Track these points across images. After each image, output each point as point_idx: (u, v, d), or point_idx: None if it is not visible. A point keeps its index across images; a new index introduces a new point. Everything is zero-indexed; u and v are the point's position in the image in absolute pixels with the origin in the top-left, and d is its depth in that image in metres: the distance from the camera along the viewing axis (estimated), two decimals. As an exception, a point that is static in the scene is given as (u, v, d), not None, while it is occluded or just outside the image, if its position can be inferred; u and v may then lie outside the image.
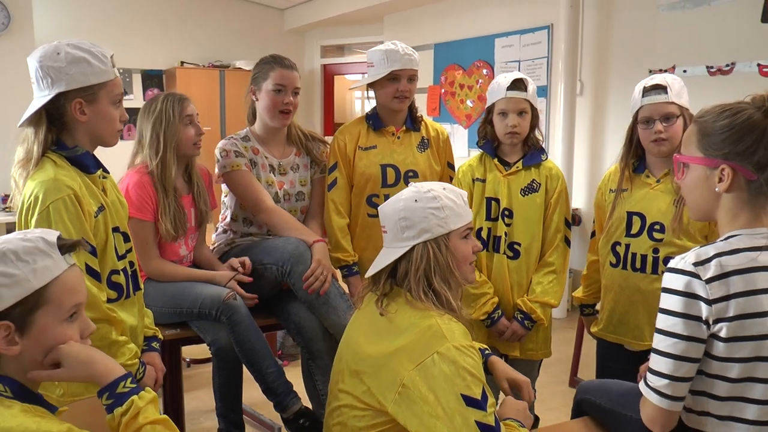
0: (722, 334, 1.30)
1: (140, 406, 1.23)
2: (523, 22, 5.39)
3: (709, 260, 1.31)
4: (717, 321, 1.29)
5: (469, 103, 6.02)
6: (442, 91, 6.28)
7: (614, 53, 4.75)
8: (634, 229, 2.20)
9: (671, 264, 1.36)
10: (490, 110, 2.42)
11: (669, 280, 1.35)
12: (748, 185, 1.35)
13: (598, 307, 2.48)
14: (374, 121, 2.58)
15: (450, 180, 2.65)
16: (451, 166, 2.69)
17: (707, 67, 4.10)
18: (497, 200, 2.40)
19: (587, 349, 3.71)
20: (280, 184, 2.52)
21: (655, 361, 1.37)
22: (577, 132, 4.87)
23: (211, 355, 2.23)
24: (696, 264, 1.31)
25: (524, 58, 5.40)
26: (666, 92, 2.13)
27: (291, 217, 2.44)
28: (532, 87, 2.38)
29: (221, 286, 2.21)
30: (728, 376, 1.32)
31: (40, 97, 1.71)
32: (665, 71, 4.37)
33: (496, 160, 2.44)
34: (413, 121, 2.61)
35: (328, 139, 2.69)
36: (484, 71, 5.80)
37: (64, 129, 1.74)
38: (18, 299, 1.16)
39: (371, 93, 2.59)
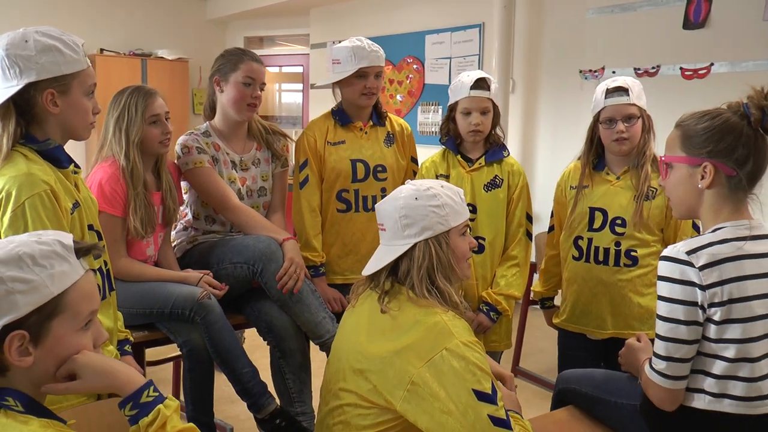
0: (716, 317, 1.40)
1: (167, 415, 1.18)
2: (454, 20, 5.48)
3: (700, 249, 1.41)
4: (711, 305, 1.39)
5: (399, 98, 6.07)
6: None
7: (545, 53, 4.91)
8: (597, 224, 2.30)
9: (665, 253, 1.45)
10: (452, 108, 2.47)
11: (664, 268, 1.44)
12: (728, 181, 1.46)
13: (556, 300, 2.58)
14: (341, 116, 2.57)
15: (414, 174, 2.68)
16: (414, 160, 2.71)
17: (635, 68, 4.31)
18: (461, 196, 2.44)
19: (527, 338, 3.87)
20: (243, 181, 2.46)
21: (658, 346, 1.45)
22: (509, 129, 5.01)
23: (165, 358, 2.17)
24: (689, 253, 1.40)
25: (455, 55, 5.50)
26: (628, 94, 2.24)
27: (258, 215, 2.39)
28: (494, 86, 2.44)
29: (193, 286, 2.14)
30: (725, 356, 1.41)
31: (8, 87, 1.59)
32: (595, 72, 4.58)
33: (459, 157, 2.48)
34: (379, 117, 2.62)
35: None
36: (415, 67, 5.86)
37: (34, 121, 1.63)
38: (35, 306, 1.09)
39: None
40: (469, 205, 2.41)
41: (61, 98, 1.61)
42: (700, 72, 4.00)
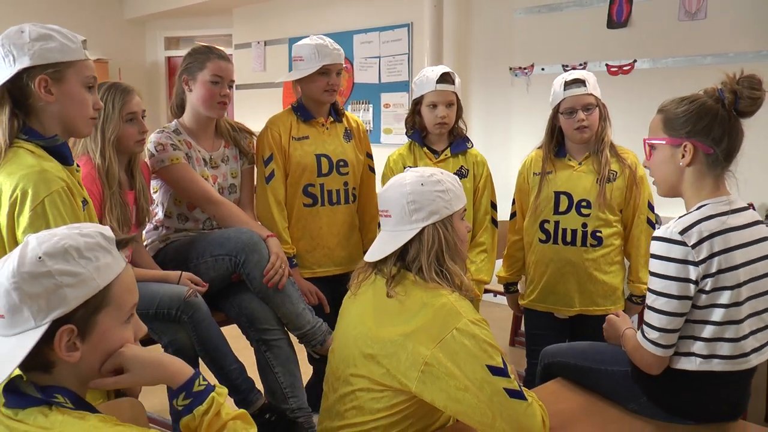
0: (706, 288, 1.52)
1: (221, 402, 1.18)
2: (382, 20, 5.56)
3: (691, 227, 1.53)
4: (704, 278, 1.52)
5: (328, 98, 6.09)
6: (300, 86, 6.29)
7: (475, 52, 5.06)
8: (562, 207, 2.43)
9: (658, 233, 1.57)
10: (418, 102, 2.55)
11: (658, 248, 1.55)
12: (706, 158, 1.59)
13: (519, 285, 2.70)
14: (302, 112, 2.58)
15: (369, 169, 2.73)
16: (369, 156, 2.75)
17: (563, 65, 4.52)
18: (429, 187, 2.52)
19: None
20: (214, 178, 2.44)
21: (650, 318, 1.57)
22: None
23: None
24: (681, 233, 1.52)
25: (384, 54, 5.58)
26: (585, 85, 2.38)
27: (240, 210, 2.39)
28: (458, 80, 2.54)
29: (174, 284, 2.10)
30: (713, 320, 1.54)
31: (2, 77, 1.54)
32: (525, 69, 4.77)
33: (425, 149, 2.56)
34: (337, 113, 2.66)
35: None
36: (344, 66, 5.89)
37: (32, 114, 1.57)
38: (83, 300, 1.06)
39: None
40: (437, 195, 2.50)
41: (56, 86, 1.55)
42: (624, 68, 4.25)
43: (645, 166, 1.75)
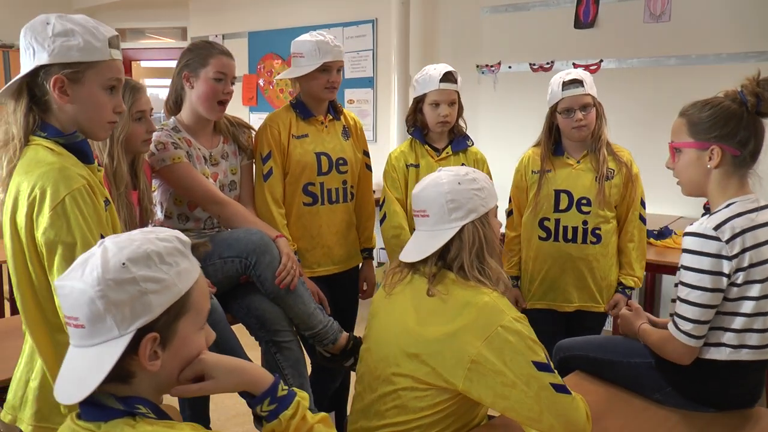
0: (738, 281, 1.61)
1: (305, 406, 1.17)
2: (345, 15, 5.55)
3: (724, 223, 1.60)
4: (736, 271, 1.60)
5: (289, 92, 6.03)
6: (260, 80, 6.21)
7: (442, 49, 5.11)
8: (563, 205, 2.49)
9: (692, 229, 1.64)
10: (420, 100, 2.56)
11: (692, 243, 1.62)
12: (733, 160, 1.67)
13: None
14: (302, 110, 2.56)
15: (366, 167, 2.73)
16: (366, 154, 2.75)
17: (530, 64, 4.63)
18: (432, 184, 2.54)
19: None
20: (215, 176, 2.39)
21: (684, 310, 1.64)
22: (409, 122, 5.19)
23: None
24: (716, 228, 1.60)
25: (348, 50, 5.55)
26: (583, 85, 2.45)
27: (245, 209, 2.34)
28: (459, 79, 2.57)
29: None
30: (744, 312, 1.63)
31: (23, 70, 1.48)
32: (492, 67, 4.85)
33: (427, 147, 2.58)
34: (335, 111, 2.65)
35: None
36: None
37: (48, 111, 1.49)
38: (166, 307, 1.04)
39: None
40: (440, 193, 2.54)
41: (72, 88, 1.47)
42: (591, 68, 4.37)
43: (668, 167, 1.80)
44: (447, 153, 2.58)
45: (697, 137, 1.69)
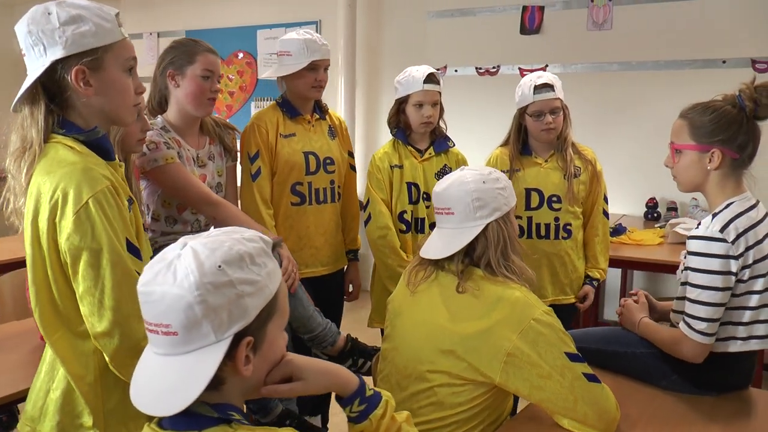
0: (744, 278, 1.71)
1: (393, 405, 1.16)
2: (288, 16, 5.50)
3: (728, 225, 1.70)
4: (742, 269, 1.70)
5: (228, 94, 5.91)
6: (196, 80, 6.05)
7: (388, 52, 5.16)
8: (534, 203, 2.58)
9: (698, 233, 1.71)
10: (403, 101, 2.59)
11: (700, 246, 1.70)
12: (731, 162, 1.77)
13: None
14: (288, 108, 2.53)
15: (350, 167, 2.73)
16: (351, 154, 2.76)
17: (476, 68, 4.74)
18: (416, 185, 2.58)
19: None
20: (203, 177, 2.32)
21: (696, 310, 1.71)
22: (356, 123, 5.20)
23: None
24: (721, 230, 1.69)
25: (291, 51, 5.51)
26: (553, 90, 2.55)
27: (240, 211, 2.29)
28: (441, 80, 2.62)
29: None
30: (750, 305, 1.74)
31: (34, 70, 1.37)
32: (438, 70, 4.89)
33: (410, 148, 2.61)
34: (321, 110, 2.63)
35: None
36: (246, 62, 5.76)
37: (69, 107, 1.40)
38: (260, 309, 1.00)
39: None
40: (424, 193, 2.57)
41: (94, 76, 1.38)
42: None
43: (666, 165, 1.89)
44: (430, 154, 2.61)
45: (699, 140, 1.77)
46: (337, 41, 5.06)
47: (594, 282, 2.70)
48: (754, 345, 1.75)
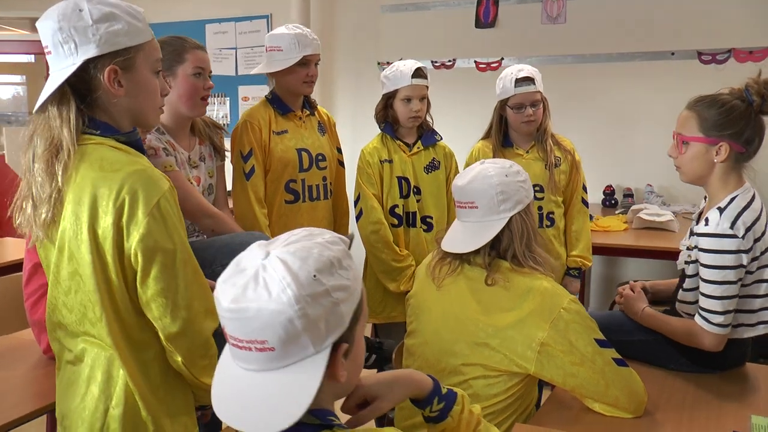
0: (753, 269, 1.80)
1: (468, 399, 1.17)
2: (237, 10, 5.39)
3: (736, 220, 1.76)
4: (751, 261, 1.78)
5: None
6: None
7: (342, 46, 5.13)
8: None
9: (709, 230, 1.76)
10: (391, 96, 2.59)
11: (712, 243, 1.75)
12: (737, 156, 1.83)
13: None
14: (279, 105, 2.49)
15: (339, 163, 2.72)
16: (339, 150, 2.74)
17: (432, 61, 4.78)
18: (406, 179, 2.59)
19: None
20: (197, 179, 2.26)
21: (713, 305, 1.77)
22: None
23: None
24: (731, 227, 1.75)
25: (241, 45, 5.42)
26: (534, 83, 2.61)
27: (233, 221, 2.26)
28: (428, 74, 2.64)
29: None
30: (758, 293, 1.83)
31: (63, 68, 1.32)
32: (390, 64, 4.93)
33: (399, 142, 2.62)
34: (310, 105, 2.60)
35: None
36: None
37: (97, 108, 1.37)
38: (352, 314, 0.98)
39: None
40: (414, 187, 2.59)
41: (126, 76, 1.36)
42: (492, 65, 4.62)
43: (670, 155, 1.95)
44: (418, 148, 2.63)
45: (708, 133, 1.81)
46: (291, 35, 4.99)
47: (573, 272, 2.77)
48: (761, 330, 1.85)
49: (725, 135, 1.80)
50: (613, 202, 4.20)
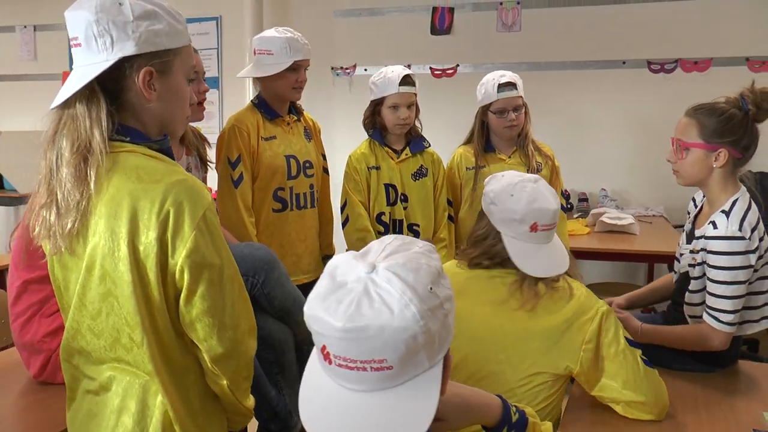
0: (758, 267, 1.87)
1: (537, 422, 1.14)
2: (186, 12, 5.14)
3: (742, 222, 1.84)
4: (757, 260, 1.85)
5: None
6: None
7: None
8: None
9: (718, 234, 1.82)
10: (378, 103, 2.57)
11: (722, 246, 1.81)
12: (734, 162, 1.91)
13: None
14: (267, 110, 2.42)
15: (324, 170, 2.67)
16: (324, 157, 2.69)
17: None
18: (394, 186, 2.57)
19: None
20: None
21: (724, 304, 1.83)
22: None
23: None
24: (739, 229, 1.82)
25: (187, 48, 5.25)
26: (516, 88, 2.65)
27: (229, 233, 2.17)
28: (416, 81, 2.62)
29: None
30: (762, 290, 1.90)
31: (93, 63, 1.21)
32: (347, 69, 4.91)
33: (387, 149, 2.59)
34: (296, 111, 2.54)
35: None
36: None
37: (125, 112, 1.25)
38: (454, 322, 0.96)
39: None
40: (402, 194, 2.57)
41: (160, 80, 1.26)
42: (447, 71, 4.66)
43: (669, 161, 2.01)
44: (406, 154, 2.61)
45: (708, 140, 1.88)
46: (243, 39, 4.88)
47: None
48: (764, 325, 1.93)
49: (725, 142, 1.87)
50: (569, 206, 4.30)
